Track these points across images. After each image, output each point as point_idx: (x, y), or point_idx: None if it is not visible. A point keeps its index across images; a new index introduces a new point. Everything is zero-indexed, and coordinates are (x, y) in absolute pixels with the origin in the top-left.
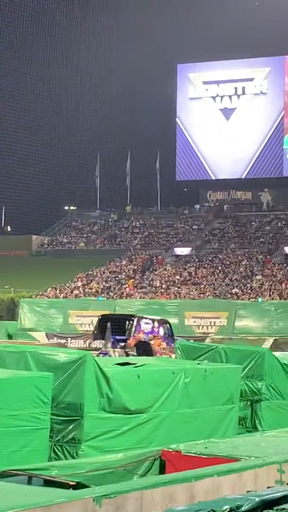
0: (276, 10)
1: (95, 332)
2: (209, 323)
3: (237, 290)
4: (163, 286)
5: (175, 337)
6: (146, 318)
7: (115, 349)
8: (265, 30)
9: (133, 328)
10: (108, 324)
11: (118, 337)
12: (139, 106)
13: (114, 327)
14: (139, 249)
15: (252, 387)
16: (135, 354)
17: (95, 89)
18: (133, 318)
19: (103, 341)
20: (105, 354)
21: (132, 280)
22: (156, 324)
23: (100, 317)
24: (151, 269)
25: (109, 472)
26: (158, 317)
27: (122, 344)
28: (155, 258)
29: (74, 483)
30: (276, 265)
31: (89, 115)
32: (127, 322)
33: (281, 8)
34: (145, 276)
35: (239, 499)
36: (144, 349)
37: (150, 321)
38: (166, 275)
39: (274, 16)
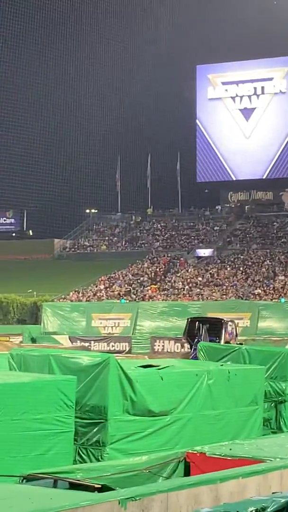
0: None
1: (187, 333)
2: None
3: (260, 291)
4: (185, 287)
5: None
6: (230, 321)
7: None
8: (283, 29)
9: (223, 330)
10: (205, 327)
11: (210, 338)
12: (159, 108)
13: (206, 329)
14: (161, 251)
15: (276, 388)
16: None
17: (115, 93)
18: (222, 321)
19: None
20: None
21: (155, 285)
22: (233, 325)
23: (189, 320)
24: (173, 271)
25: (134, 475)
26: (232, 319)
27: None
28: (177, 260)
29: (99, 486)
30: None
31: (109, 118)
32: (219, 325)
33: None
34: (167, 278)
35: (264, 500)
36: None
37: (231, 323)
38: (188, 277)
39: None
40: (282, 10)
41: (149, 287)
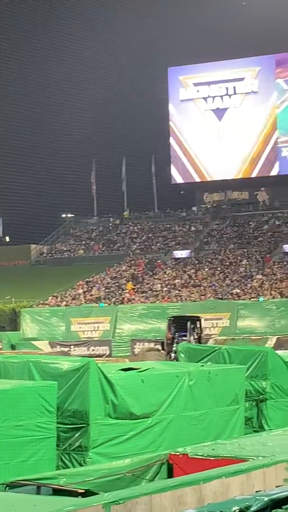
0: (263, 9)
1: (169, 330)
2: (211, 324)
3: (238, 290)
4: (164, 289)
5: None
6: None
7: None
8: (253, 29)
9: (200, 326)
10: (188, 324)
11: (192, 333)
12: (132, 111)
13: (183, 326)
14: (138, 253)
15: (256, 386)
16: None
17: (87, 96)
18: (200, 318)
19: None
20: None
21: (130, 282)
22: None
23: (171, 318)
24: (151, 273)
25: (117, 478)
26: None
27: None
28: (154, 262)
29: (83, 491)
30: (276, 263)
31: (82, 122)
32: (196, 322)
33: (268, 7)
34: (146, 281)
35: (248, 499)
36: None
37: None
38: (167, 279)
39: (261, 15)
40: (251, 11)
41: (125, 289)
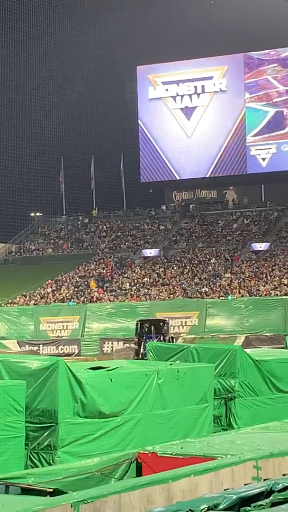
0: (231, 8)
1: (138, 334)
2: (180, 323)
3: (207, 289)
4: (133, 288)
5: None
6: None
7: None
8: (221, 28)
9: (167, 328)
10: (152, 327)
11: (156, 335)
12: (101, 109)
13: (152, 328)
14: (107, 252)
15: (225, 385)
16: None
17: (56, 94)
18: (166, 321)
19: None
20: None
21: (93, 281)
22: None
23: (138, 322)
24: (120, 272)
25: (86, 477)
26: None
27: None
28: (123, 261)
29: (51, 490)
30: (244, 262)
31: (50, 120)
32: (162, 324)
33: (236, 6)
34: (114, 279)
35: (216, 497)
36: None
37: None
38: (135, 277)
39: (230, 14)
40: (219, 10)
41: (90, 286)
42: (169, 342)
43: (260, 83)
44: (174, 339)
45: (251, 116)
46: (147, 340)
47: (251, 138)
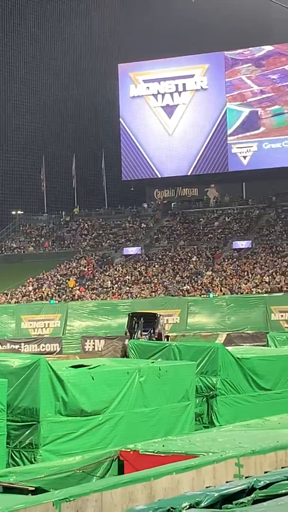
0: (212, 6)
1: (128, 325)
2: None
3: (188, 287)
4: (115, 286)
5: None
6: (161, 316)
7: (143, 335)
8: (201, 27)
9: (157, 322)
10: (141, 320)
11: (146, 329)
12: (82, 107)
13: (143, 321)
14: (89, 250)
15: (207, 382)
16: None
17: (38, 92)
18: (157, 315)
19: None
20: None
21: (72, 279)
22: (161, 320)
23: (130, 314)
24: (101, 270)
25: (68, 476)
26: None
27: (148, 333)
28: (105, 259)
29: (33, 488)
30: (226, 260)
31: (32, 118)
32: (153, 318)
33: (217, 4)
34: (96, 277)
35: (198, 495)
36: (159, 338)
37: (162, 317)
38: (117, 275)
39: (211, 12)
40: (199, 8)
41: (76, 287)
42: (160, 337)
43: (234, 83)
44: (169, 338)
45: (233, 114)
46: (144, 333)
47: (232, 136)
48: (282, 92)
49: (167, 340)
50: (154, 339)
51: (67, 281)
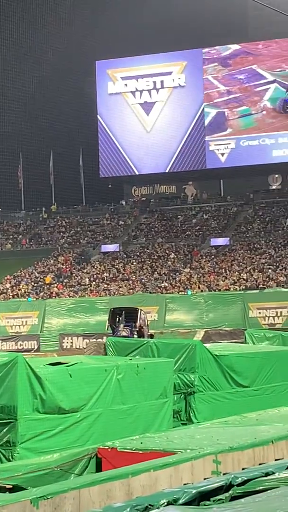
0: (190, 3)
1: (109, 320)
2: None
3: (166, 284)
4: (92, 283)
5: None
6: (142, 310)
7: (126, 330)
8: (179, 23)
9: (138, 316)
10: (123, 313)
11: (128, 323)
12: (60, 104)
13: (125, 316)
14: (67, 247)
15: (185, 379)
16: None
17: (14, 89)
18: (138, 309)
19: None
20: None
21: (49, 276)
22: (143, 315)
23: (112, 310)
24: (79, 267)
25: (46, 473)
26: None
27: (130, 327)
28: (83, 256)
29: (11, 486)
30: (204, 257)
31: (9, 115)
32: (134, 312)
33: (194, 1)
34: (74, 275)
35: (176, 492)
36: (140, 332)
37: (143, 312)
38: (95, 273)
39: (189, 9)
40: (178, 5)
41: (54, 284)
42: (141, 331)
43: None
44: (153, 336)
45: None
46: (126, 327)
47: (210, 133)
48: (249, 93)
49: (152, 338)
50: (135, 332)
51: (44, 278)
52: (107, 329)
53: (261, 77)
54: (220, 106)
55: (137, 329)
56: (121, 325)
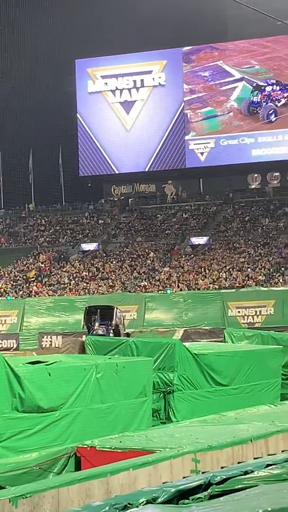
0: (170, 2)
1: (85, 319)
2: None
3: (146, 283)
4: (72, 282)
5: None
6: (118, 308)
7: (101, 328)
8: (159, 22)
9: (114, 315)
10: (98, 312)
11: (104, 322)
12: (40, 103)
13: (100, 314)
14: (46, 246)
15: (164, 378)
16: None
17: None
18: (113, 307)
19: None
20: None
21: (32, 273)
22: (119, 313)
23: (87, 308)
24: (58, 266)
25: (25, 472)
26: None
27: (106, 326)
28: (62, 255)
29: None
30: (183, 256)
31: None
32: (109, 310)
33: (175, 0)
34: (53, 273)
35: (155, 490)
36: (116, 330)
37: (119, 310)
38: (74, 271)
39: (169, 8)
40: (156, 4)
41: (29, 277)
42: (117, 329)
43: None
44: (129, 335)
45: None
46: (102, 325)
47: (190, 132)
48: (214, 92)
49: (128, 336)
50: (111, 331)
51: (24, 277)
52: (83, 327)
53: (228, 74)
54: (184, 106)
55: (113, 328)
56: (97, 324)
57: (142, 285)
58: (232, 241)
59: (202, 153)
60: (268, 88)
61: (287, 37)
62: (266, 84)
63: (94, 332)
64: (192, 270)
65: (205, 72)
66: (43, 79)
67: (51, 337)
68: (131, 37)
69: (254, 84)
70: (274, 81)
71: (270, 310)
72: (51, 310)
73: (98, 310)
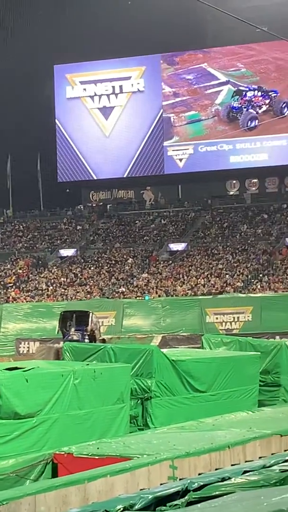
0: (149, 8)
1: (60, 324)
2: None
3: (124, 289)
4: (50, 288)
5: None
6: (94, 313)
7: (77, 333)
8: (138, 29)
9: (89, 320)
10: (74, 317)
11: (79, 327)
12: (18, 108)
13: (75, 320)
14: (24, 252)
15: (142, 385)
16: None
17: None
18: (88, 313)
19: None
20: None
21: (10, 278)
22: (95, 318)
23: (62, 314)
24: (36, 272)
25: (1, 479)
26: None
27: (81, 331)
28: (40, 260)
29: None
30: (162, 262)
31: None
32: (85, 316)
33: (153, 6)
34: (31, 279)
35: (132, 497)
36: (91, 335)
37: (95, 316)
38: (52, 277)
39: (147, 15)
40: (136, 10)
41: (8, 282)
42: (93, 334)
43: None
44: (105, 340)
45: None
46: (77, 331)
47: (168, 139)
48: (199, 95)
49: (103, 342)
50: (86, 336)
51: (1, 282)
52: (58, 333)
53: (213, 77)
54: (166, 110)
55: (89, 333)
56: (72, 329)
57: (120, 291)
58: (211, 248)
59: (180, 159)
60: (250, 94)
61: (269, 44)
62: (247, 89)
63: (70, 337)
64: (170, 276)
65: (189, 75)
66: (22, 85)
67: (28, 343)
68: (110, 43)
69: (236, 89)
70: (256, 87)
71: (248, 316)
72: (28, 316)
73: (74, 315)
